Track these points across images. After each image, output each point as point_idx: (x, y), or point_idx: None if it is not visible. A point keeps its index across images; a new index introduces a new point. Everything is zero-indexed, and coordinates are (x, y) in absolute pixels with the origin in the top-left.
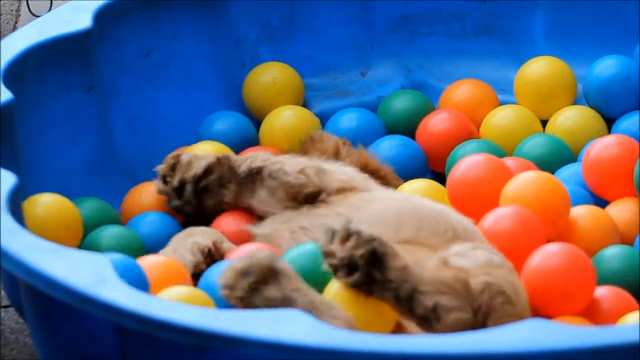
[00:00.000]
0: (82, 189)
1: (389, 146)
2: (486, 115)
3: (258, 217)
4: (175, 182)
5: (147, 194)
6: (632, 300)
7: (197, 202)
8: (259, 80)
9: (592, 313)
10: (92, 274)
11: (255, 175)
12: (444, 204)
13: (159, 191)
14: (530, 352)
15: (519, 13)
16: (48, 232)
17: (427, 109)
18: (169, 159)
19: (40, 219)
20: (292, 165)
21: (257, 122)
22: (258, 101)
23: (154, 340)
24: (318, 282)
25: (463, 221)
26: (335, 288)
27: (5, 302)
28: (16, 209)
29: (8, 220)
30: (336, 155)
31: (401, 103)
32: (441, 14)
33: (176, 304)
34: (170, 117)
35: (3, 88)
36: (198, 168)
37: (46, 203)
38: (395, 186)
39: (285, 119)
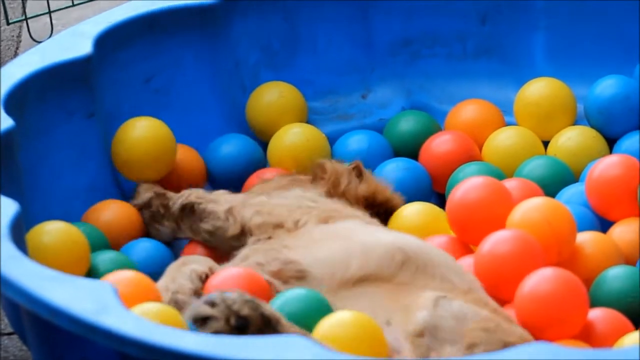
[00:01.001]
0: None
1: (395, 169)
2: (489, 134)
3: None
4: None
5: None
6: (626, 322)
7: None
8: (262, 99)
9: (587, 336)
10: (94, 302)
11: (190, 214)
12: (391, 231)
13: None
14: None
15: (519, 34)
16: (55, 261)
17: (433, 129)
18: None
19: (47, 247)
20: (222, 205)
21: (262, 143)
22: (262, 120)
23: None
24: (306, 325)
25: (411, 243)
26: (325, 327)
27: (9, 329)
28: (18, 237)
29: (10, 248)
30: (335, 187)
31: (407, 123)
32: (442, 36)
33: (180, 331)
34: None
35: (4, 115)
36: (143, 198)
37: (53, 231)
38: None
39: (292, 136)
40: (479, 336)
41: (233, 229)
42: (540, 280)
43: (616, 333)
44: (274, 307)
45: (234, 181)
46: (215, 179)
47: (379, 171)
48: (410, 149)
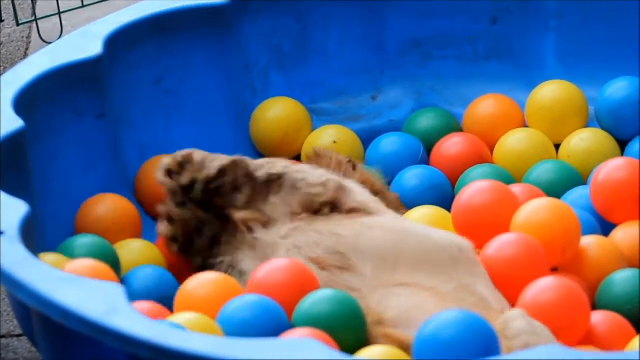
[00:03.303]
0: None
1: (414, 175)
2: (509, 131)
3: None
4: (184, 180)
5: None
6: (629, 326)
7: (206, 202)
8: (266, 116)
9: (589, 340)
10: (105, 303)
11: (273, 182)
12: (439, 228)
13: (162, 182)
14: None
15: (530, 36)
16: None
17: (453, 126)
18: (179, 156)
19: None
20: (315, 176)
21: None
22: (266, 137)
23: None
24: (334, 327)
25: (457, 246)
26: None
27: (18, 331)
28: (28, 238)
29: (20, 250)
30: (343, 176)
31: (427, 121)
32: (452, 37)
33: (190, 333)
34: (181, 144)
35: (14, 115)
36: (211, 169)
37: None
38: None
39: (327, 138)
40: None
41: (325, 198)
42: (541, 289)
43: (618, 337)
44: (302, 308)
45: None
46: None
47: (397, 177)
48: (430, 146)
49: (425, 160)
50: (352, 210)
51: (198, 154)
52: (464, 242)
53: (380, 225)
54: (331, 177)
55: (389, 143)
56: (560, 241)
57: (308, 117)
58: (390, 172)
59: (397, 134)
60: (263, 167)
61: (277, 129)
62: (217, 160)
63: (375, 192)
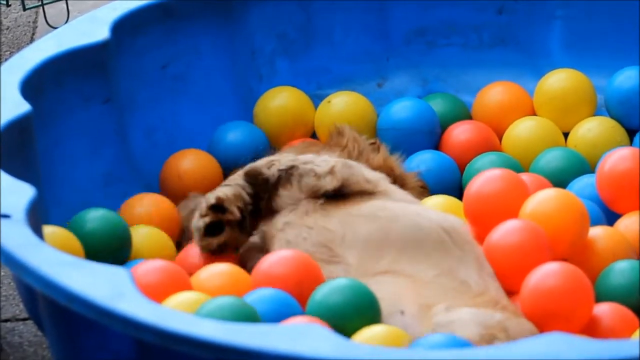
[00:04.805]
0: (100, 201)
1: (423, 160)
2: (518, 118)
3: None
4: (237, 214)
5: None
6: (633, 316)
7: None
8: (269, 106)
9: (593, 330)
10: (111, 287)
11: (286, 177)
12: (435, 212)
13: (207, 247)
14: None
15: (536, 24)
16: None
17: (462, 112)
18: (206, 202)
19: None
20: (321, 166)
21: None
22: (270, 126)
23: (173, 354)
24: (349, 318)
25: (443, 229)
26: (368, 335)
27: (24, 314)
28: (35, 222)
29: (27, 234)
30: (349, 153)
31: (436, 106)
32: (458, 26)
33: (195, 317)
34: (188, 129)
35: (21, 99)
36: (245, 197)
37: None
38: (420, 197)
39: (339, 104)
40: (493, 337)
41: (331, 185)
42: (546, 274)
43: (622, 328)
44: (316, 297)
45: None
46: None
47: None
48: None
49: (439, 133)
50: (359, 193)
51: (222, 190)
52: (453, 223)
53: (368, 214)
54: (337, 162)
55: (402, 108)
56: (569, 232)
57: (312, 106)
58: (405, 138)
59: (411, 99)
60: (270, 167)
61: (280, 119)
62: (237, 186)
63: (395, 178)
